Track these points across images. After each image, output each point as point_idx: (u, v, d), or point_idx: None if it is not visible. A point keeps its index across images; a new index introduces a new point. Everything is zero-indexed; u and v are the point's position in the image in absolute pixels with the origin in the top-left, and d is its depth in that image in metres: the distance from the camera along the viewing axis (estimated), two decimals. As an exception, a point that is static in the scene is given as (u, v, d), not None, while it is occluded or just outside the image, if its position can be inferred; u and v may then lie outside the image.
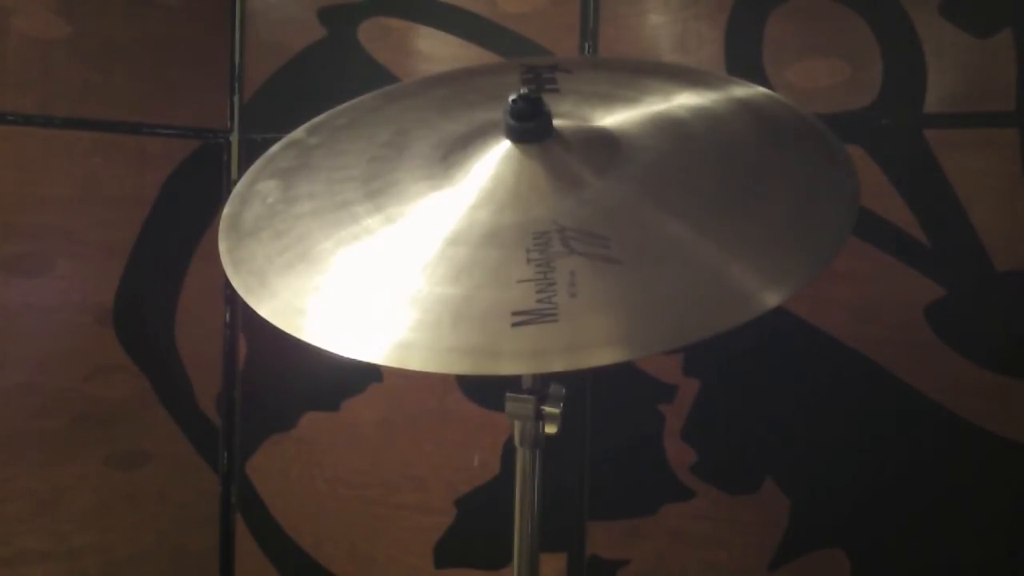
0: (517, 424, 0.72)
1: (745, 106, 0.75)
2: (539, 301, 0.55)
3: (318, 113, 0.82)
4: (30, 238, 1.06)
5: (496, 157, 0.67)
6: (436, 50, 1.09)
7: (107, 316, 1.11)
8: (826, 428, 0.94)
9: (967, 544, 0.89)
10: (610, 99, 0.75)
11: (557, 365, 0.51)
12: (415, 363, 0.55)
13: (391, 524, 1.13)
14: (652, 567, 1.01)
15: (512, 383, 0.71)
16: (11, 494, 1.06)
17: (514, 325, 0.53)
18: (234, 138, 1.20)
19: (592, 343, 0.50)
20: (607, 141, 0.69)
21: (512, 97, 0.66)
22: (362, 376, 1.13)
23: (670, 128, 0.71)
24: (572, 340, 0.49)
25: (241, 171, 1.15)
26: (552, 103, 0.68)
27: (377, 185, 0.68)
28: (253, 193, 0.72)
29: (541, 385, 0.71)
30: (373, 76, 1.10)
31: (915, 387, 0.90)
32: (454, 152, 0.70)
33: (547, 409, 0.70)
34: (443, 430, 1.09)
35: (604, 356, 0.52)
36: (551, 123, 0.67)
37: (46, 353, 1.08)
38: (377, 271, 0.61)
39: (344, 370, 1.13)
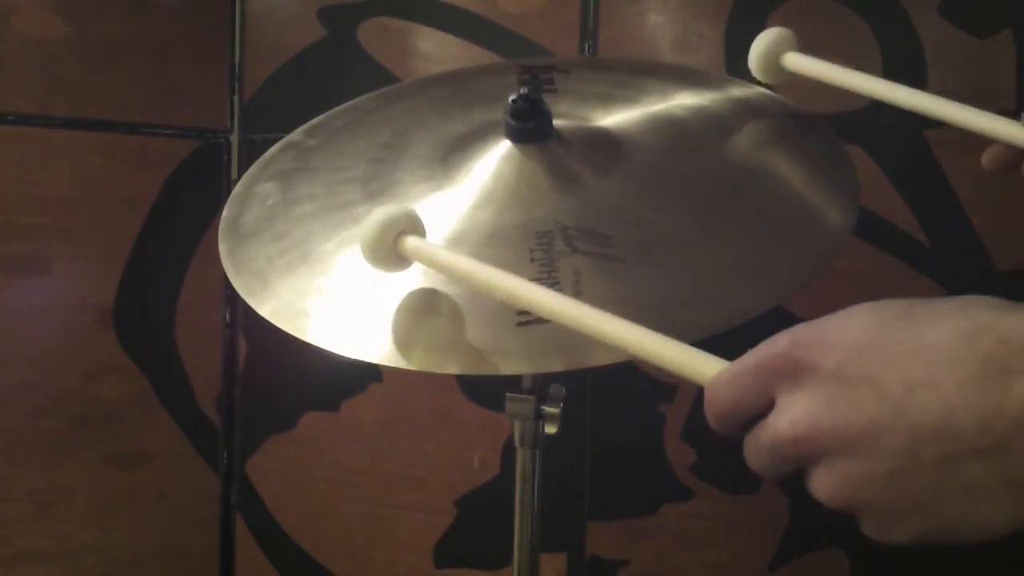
0: (517, 424, 0.72)
1: (744, 105, 0.75)
2: (544, 300, 0.55)
3: (318, 113, 0.82)
4: (30, 238, 1.06)
5: (496, 157, 0.67)
6: (436, 50, 1.09)
7: (107, 316, 1.11)
8: (826, 428, 0.94)
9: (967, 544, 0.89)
10: (608, 99, 0.75)
11: (564, 364, 0.51)
12: (418, 364, 0.55)
13: (391, 524, 1.13)
14: (652, 567, 1.01)
15: (512, 383, 0.71)
16: (11, 494, 1.06)
17: (519, 325, 0.53)
18: (234, 138, 1.20)
19: (598, 342, 0.49)
20: (607, 141, 0.69)
21: (512, 97, 0.66)
22: (362, 376, 1.13)
23: (669, 127, 0.71)
24: (578, 339, 0.49)
25: (241, 171, 1.15)
26: (550, 103, 0.68)
27: (378, 186, 0.68)
28: (252, 195, 0.72)
29: (541, 385, 0.71)
30: (373, 76, 1.10)
31: (915, 387, 0.90)
32: (454, 153, 0.70)
33: (547, 409, 0.70)
34: (443, 430, 1.09)
35: (611, 355, 0.52)
36: (551, 123, 0.67)
37: (46, 353, 1.08)
38: (380, 271, 0.61)
39: (344, 370, 1.13)
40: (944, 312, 0.36)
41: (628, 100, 0.74)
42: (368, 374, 1.13)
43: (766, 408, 0.38)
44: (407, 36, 1.10)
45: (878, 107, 0.91)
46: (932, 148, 0.89)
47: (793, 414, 0.36)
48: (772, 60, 0.70)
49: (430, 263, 0.56)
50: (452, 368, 0.56)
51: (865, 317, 0.37)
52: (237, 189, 0.73)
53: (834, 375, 0.35)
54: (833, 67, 0.68)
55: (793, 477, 0.38)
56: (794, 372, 0.37)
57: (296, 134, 0.79)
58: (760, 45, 0.70)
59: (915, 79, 0.90)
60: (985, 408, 0.33)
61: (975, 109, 0.60)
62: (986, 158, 0.61)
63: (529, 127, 0.66)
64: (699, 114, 0.73)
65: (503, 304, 0.53)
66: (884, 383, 0.34)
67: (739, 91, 0.77)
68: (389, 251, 0.55)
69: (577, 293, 0.55)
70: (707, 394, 0.40)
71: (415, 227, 0.56)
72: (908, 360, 0.34)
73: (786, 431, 0.36)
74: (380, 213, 0.55)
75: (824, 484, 0.36)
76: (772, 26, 0.72)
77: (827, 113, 0.90)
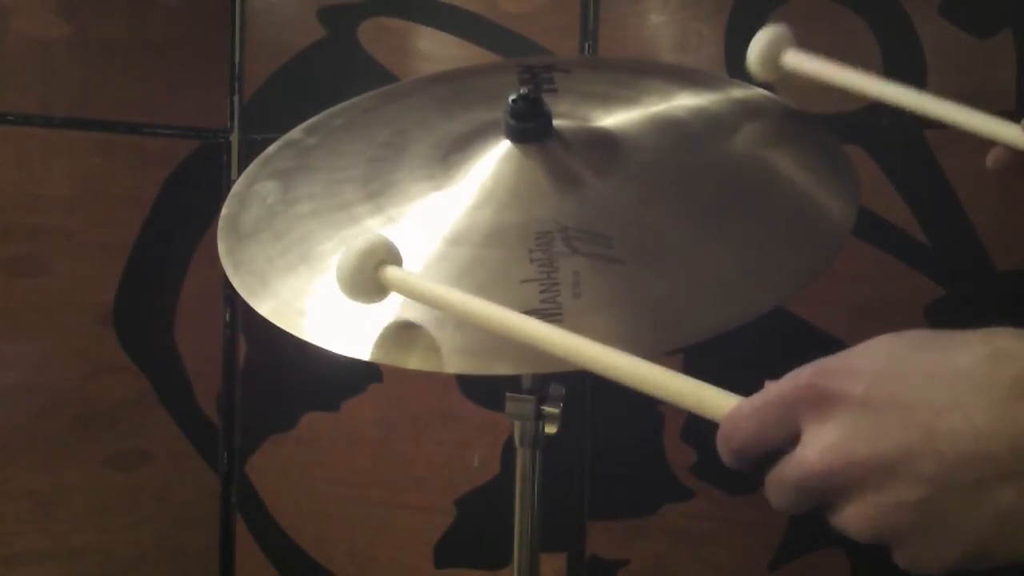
0: (517, 424, 0.72)
1: (744, 106, 0.75)
2: (543, 301, 0.55)
3: (318, 113, 0.82)
4: (30, 238, 1.06)
5: (496, 157, 0.67)
6: (436, 50, 1.09)
7: (107, 316, 1.11)
8: (826, 428, 0.94)
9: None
10: (608, 99, 0.75)
11: (562, 365, 0.51)
12: (417, 364, 0.55)
13: (391, 524, 1.13)
14: (652, 567, 1.01)
15: (512, 383, 0.71)
16: (11, 494, 1.06)
17: None
18: (234, 138, 1.20)
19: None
20: (607, 141, 0.69)
21: (512, 97, 0.66)
22: (362, 376, 1.13)
23: (670, 128, 0.71)
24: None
25: (241, 171, 1.15)
26: (550, 103, 0.68)
27: (377, 186, 0.68)
28: (251, 194, 0.72)
29: (541, 385, 0.71)
30: (373, 76, 1.10)
31: (915, 387, 0.90)
32: (454, 152, 0.70)
33: (547, 409, 0.70)
34: (443, 430, 1.09)
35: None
36: (551, 123, 0.67)
37: (46, 353, 1.08)
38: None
39: (344, 370, 1.13)
40: (965, 339, 0.35)
41: (628, 100, 0.74)
42: (368, 374, 1.13)
43: (788, 443, 0.37)
44: (407, 36, 1.10)
45: (878, 107, 0.90)
46: (932, 148, 0.89)
47: (821, 445, 0.35)
48: (771, 58, 0.70)
49: (411, 294, 0.54)
50: (451, 368, 0.56)
51: (887, 345, 0.37)
52: (236, 187, 0.73)
53: (861, 402, 0.35)
54: (832, 66, 0.67)
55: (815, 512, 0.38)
56: (820, 402, 0.36)
57: (295, 132, 0.79)
58: (759, 44, 0.70)
59: (915, 79, 0.89)
60: (1016, 432, 0.32)
61: (976, 111, 0.60)
62: (990, 159, 0.61)
63: (529, 127, 0.66)
64: (699, 115, 0.73)
65: (502, 304, 0.53)
66: (912, 408, 0.34)
67: (740, 92, 0.77)
68: (369, 281, 0.54)
69: (576, 294, 0.55)
70: (725, 428, 0.39)
71: (394, 257, 0.55)
72: (934, 385, 0.34)
73: (814, 463, 0.35)
74: (359, 243, 0.54)
75: (855, 516, 0.35)
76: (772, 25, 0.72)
77: (827, 113, 0.90)
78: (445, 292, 0.53)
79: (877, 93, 0.65)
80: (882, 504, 0.34)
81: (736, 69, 0.96)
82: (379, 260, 0.54)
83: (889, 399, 0.35)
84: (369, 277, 0.54)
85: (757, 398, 0.39)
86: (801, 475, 0.36)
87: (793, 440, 0.37)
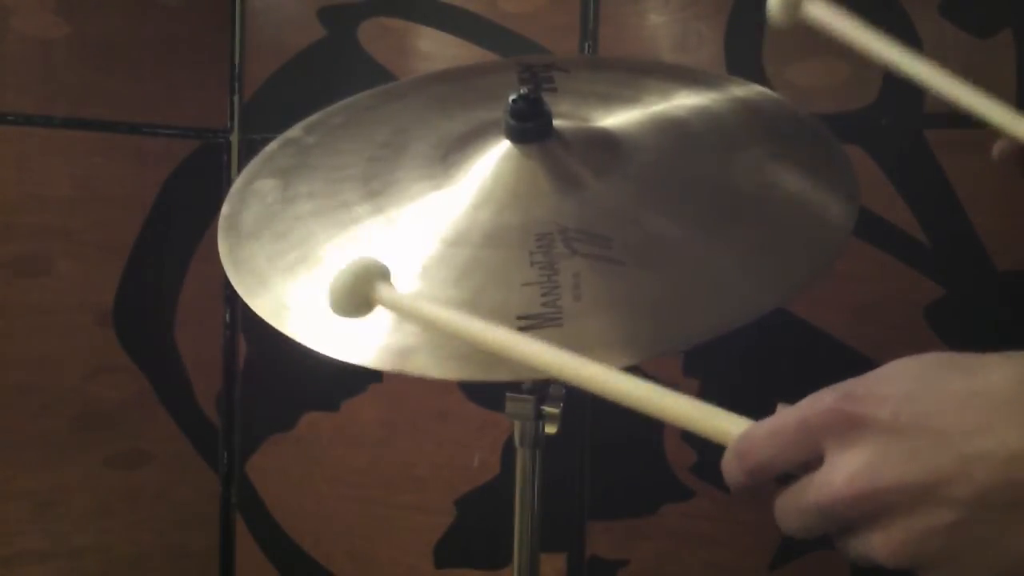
0: (517, 424, 0.71)
1: (744, 105, 0.75)
2: (544, 305, 0.54)
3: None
4: (30, 238, 1.06)
5: (496, 157, 0.67)
6: (436, 50, 1.09)
7: (107, 316, 1.11)
8: (826, 428, 0.93)
9: None
10: (609, 99, 0.75)
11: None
12: (417, 368, 0.54)
13: (391, 524, 1.13)
14: (652, 567, 1.01)
15: (512, 383, 0.71)
16: (11, 494, 1.06)
17: (519, 330, 0.53)
18: (234, 138, 1.20)
19: (597, 346, 0.49)
20: (607, 141, 0.69)
21: (512, 97, 0.66)
22: (362, 376, 1.13)
23: (670, 128, 0.71)
24: (577, 344, 0.49)
25: (241, 171, 1.15)
26: (550, 103, 0.68)
27: (377, 185, 0.68)
28: (251, 192, 0.71)
29: (541, 385, 0.71)
30: (373, 76, 1.10)
31: (915, 387, 0.90)
32: (453, 152, 0.70)
33: (547, 409, 0.70)
34: (443, 430, 1.09)
35: (609, 360, 0.52)
36: (551, 123, 0.67)
37: (46, 353, 1.08)
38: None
39: (344, 370, 1.12)
40: (992, 361, 0.35)
41: (629, 100, 0.74)
42: (368, 374, 1.12)
43: (802, 467, 0.36)
44: (407, 36, 1.10)
45: (878, 107, 0.91)
46: (932, 148, 0.89)
47: (850, 470, 0.34)
48: (794, 2, 0.66)
49: (405, 313, 0.52)
50: (451, 375, 0.55)
51: (912, 368, 0.36)
52: (236, 185, 0.73)
53: (889, 426, 0.34)
54: (852, 25, 0.64)
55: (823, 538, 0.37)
56: (847, 426, 0.35)
57: (295, 130, 0.79)
58: None
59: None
60: None
61: (987, 98, 0.58)
62: (996, 149, 0.60)
63: (529, 127, 0.66)
64: (700, 115, 0.73)
65: (503, 308, 0.53)
66: (942, 432, 0.34)
67: (739, 91, 0.76)
68: (363, 301, 0.51)
69: (576, 296, 0.55)
70: (740, 448, 0.38)
71: (386, 277, 0.52)
72: (963, 407, 0.34)
73: (843, 488, 0.34)
74: (354, 264, 0.51)
75: (884, 542, 0.34)
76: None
77: (827, 113, 0.90)
78: (439, 312, 0.51)
79: (891, 60, 0.63)
80: (913, 529, 0.34)
81: (736, 69, 0.96)
82: (372, 281, 0.51)
83: (919, 423, 0.34)
84: (362, 298, 0.51)
85: (776, 420, 0.38)
86: (828, 500, 0.35)
87: (810, 465, 0.36)
